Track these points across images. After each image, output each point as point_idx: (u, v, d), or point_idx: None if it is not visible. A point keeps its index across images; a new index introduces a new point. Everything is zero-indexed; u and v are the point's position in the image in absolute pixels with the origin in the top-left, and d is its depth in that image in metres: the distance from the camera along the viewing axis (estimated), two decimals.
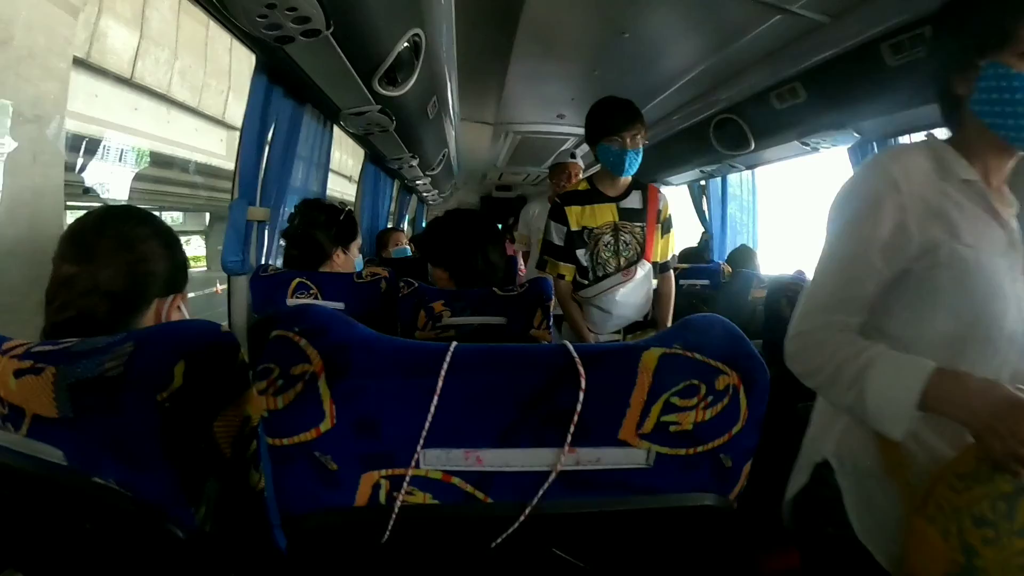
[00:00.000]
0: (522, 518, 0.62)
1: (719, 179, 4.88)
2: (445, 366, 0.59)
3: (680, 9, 2.41)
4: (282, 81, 2.26)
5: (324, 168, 3.07)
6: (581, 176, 3.69)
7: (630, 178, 2.39)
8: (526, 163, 6.64)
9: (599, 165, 2.38)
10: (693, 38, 2.73)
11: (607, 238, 2.35)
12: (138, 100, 7.67)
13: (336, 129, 3.01)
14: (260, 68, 2.16)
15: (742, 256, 3.93)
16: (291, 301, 1.87)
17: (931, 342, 0.96)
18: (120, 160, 7.45)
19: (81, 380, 0.68)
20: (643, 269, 2.35)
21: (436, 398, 0.58)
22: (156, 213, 1.08)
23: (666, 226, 2.45)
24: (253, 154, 2.23)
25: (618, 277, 2.32)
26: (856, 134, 2.94)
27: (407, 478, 0.62)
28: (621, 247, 2.36)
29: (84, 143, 6.69)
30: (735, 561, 0.75)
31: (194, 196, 8.55)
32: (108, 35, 6.86)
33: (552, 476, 0.61)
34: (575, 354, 0.60)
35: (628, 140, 2.22)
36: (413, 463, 0.61)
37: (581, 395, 0.59)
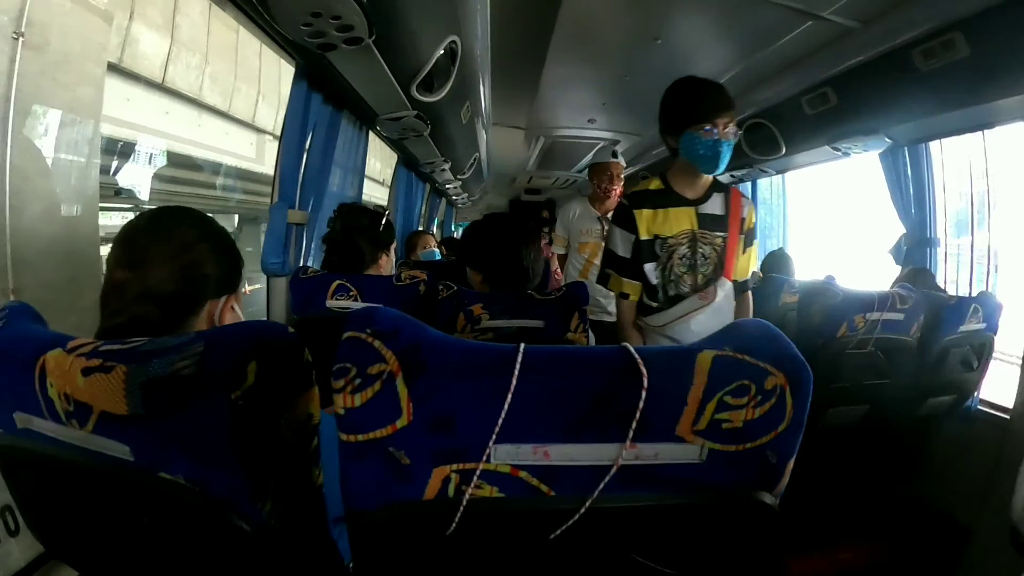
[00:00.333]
0: (583, 510, 0.65)
1: (749, 184, 4.86)
2: (518, 365, 0.62)
3: (712, 14, 2.44)
4: (321, 88, 2.32)
5: (360, 173, 3.11)
6: (623, 177, 3.54)
7: (711, 178, 2.01)
8: (555, 167, 6.69)
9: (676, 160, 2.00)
10: (725, 43, 2.75)
11: (683, 250, 1.95)
12: (169, 104, 7.80)
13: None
14: (300, 75, 2.21)
15: (777, 261, 3.91)
16: (331, 303, 1.89)
17: None
18: (151, 162, 7.58)
19: (153, 378, 0.69)
20: (723, 290, 1.96)
21: (510, 395, 0.61)
22: None
23: (749, 237, 2.06)
24: (293, 159, 2.28)
25: (694, 300, 1.94)
26: (887, 139, 2.93)
27: (477, 472, 0.65)
28: (699, 261, 1.96)
29: (118, 146, 6.81)
30: (774, 559, 0.77)
31: (224, 199, 8.65)
32: (140, 41, 6.98)
33: (613, 469, 0.64)
34: (636, 355, 0.64)
35: (721, 128, 1.84)
36: (484, 457, 0.64)
37: (644, 393, 0.62)
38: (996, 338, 2.39)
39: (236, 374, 0.68)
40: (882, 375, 2.16)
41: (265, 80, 9.10)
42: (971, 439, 2.51)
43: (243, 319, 1.05)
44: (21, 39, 1.32)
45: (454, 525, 0.66)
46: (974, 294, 2.66)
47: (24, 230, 1.37)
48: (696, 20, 2.49)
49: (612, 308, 3.42)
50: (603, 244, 3.32)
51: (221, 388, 0.68)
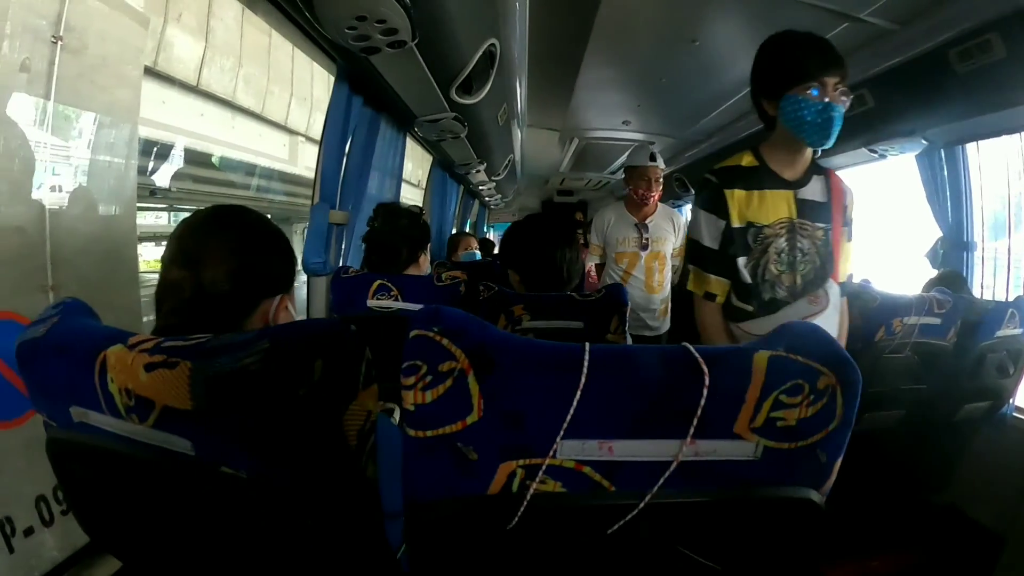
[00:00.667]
0: (641, 505, 0.67)
1: None
2: (586, 364, 0.64)
3: (748, 16, 2.43)
4: (362, 90, 2.36)
5: (398, 174, 3.15)
6: (660, 181, 3.22)
7: (811, 157, 1.69)
8: (588, 168, 6.72)
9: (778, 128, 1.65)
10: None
11: (780, 243, 1.61)
12: (204, 106, 7.92)
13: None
14: (341, 78, 2.26)
15: None
16: (371, 302, 1.93)
17: None
18: (187, 163, 7.70)
19: (220, 374, 0.70)
20: (834, 293, 1.64)
21: (579, 392, 0.64)
22: None
23: (849, 231, 1.74)
24: (334, 160, 2.33)
25: (804, 306, 1.60)
26: (924, 141, 2.90)
27: (543, 467, 0.67)
28: (797, 257, 1.62)
29: (155, 148, 6.93)
30: (812, 561, 0.79)
31: (257, 199, 8.76)
32: (175, 44, 7.10)
33: (673, 465, 0.66)
34: (697, 354, 0.66)
35: (831, 89, 1.52)
36: (551, 453, 0.66)
37: (705, 391, 0.64)
38: None
39: (303, 371, 0.69)
40: (918, 380, 2.14)
41: (298, 83, 9.21)
42: (1005, 446, 2.47)
43: (296, 318, 1.06)
44: (60, 43, 1.35)
45: (516, 519, 0.67)
46: (1011, 298, 2.62)
47: (64, 229, 1.39)
48: (733, 22, 2.49)
49: (653, 323, 3.32)
50: (641, 254, 3.25)
51: (287, 384, 0.69)
